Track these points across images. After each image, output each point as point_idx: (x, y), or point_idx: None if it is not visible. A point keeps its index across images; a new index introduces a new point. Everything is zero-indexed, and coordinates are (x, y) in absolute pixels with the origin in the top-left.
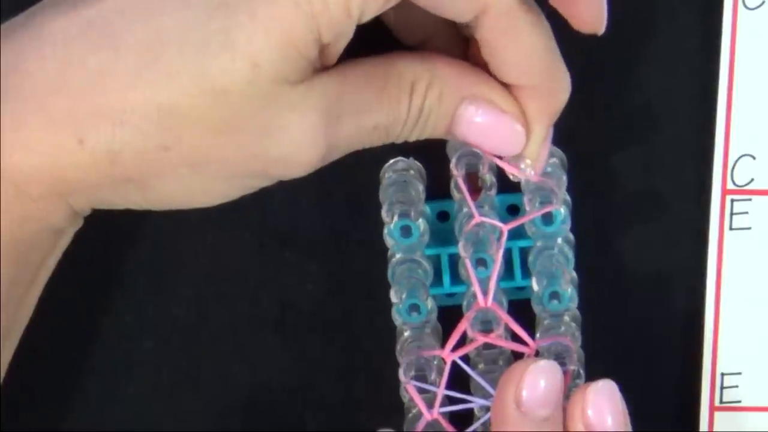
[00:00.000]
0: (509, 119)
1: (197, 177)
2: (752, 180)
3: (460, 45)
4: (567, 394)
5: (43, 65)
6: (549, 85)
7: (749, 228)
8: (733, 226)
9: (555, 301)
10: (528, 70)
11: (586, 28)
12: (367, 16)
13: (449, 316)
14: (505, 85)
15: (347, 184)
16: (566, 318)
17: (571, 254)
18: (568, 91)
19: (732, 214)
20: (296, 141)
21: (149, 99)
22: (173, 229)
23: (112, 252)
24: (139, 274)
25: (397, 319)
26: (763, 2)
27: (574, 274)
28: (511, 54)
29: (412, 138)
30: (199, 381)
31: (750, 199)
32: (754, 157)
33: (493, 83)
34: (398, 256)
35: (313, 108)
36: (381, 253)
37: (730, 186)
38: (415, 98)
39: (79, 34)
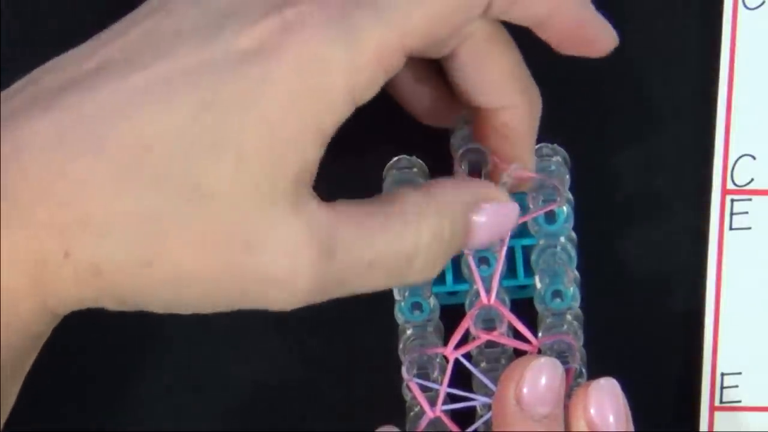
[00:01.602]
0: (508, 204)
1: (178, 295)
2: (752, 180)
3: (430, 76)
4: (569, 393)
5: (24, 175)
6: (528, 99)
7: (749, 228)
8: (733, 226)
9: (557, 300)
10: (508, 90)
11: (605, 51)
12: (368, 96)
13: (451, 314)
14: (483, 111)
15: (350, 182)
16: (568, 317)
17: (573, 252)
18: (540, 103)
19: (732, 214)
20: (278, 266)
21: (132, 208)
22: None
23: None
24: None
25: (400, 317)
26: (763, 2)
27: (577, 272)
28: (492, 76)
29: (436, 272)
30: (199, 381)
31: (750, 199)
32: (754, 157)
33: (480, 181)
34: None
35: (299, 230)
36: None
37: (730, 186)
38: (426, 228)
39: (58, 140)
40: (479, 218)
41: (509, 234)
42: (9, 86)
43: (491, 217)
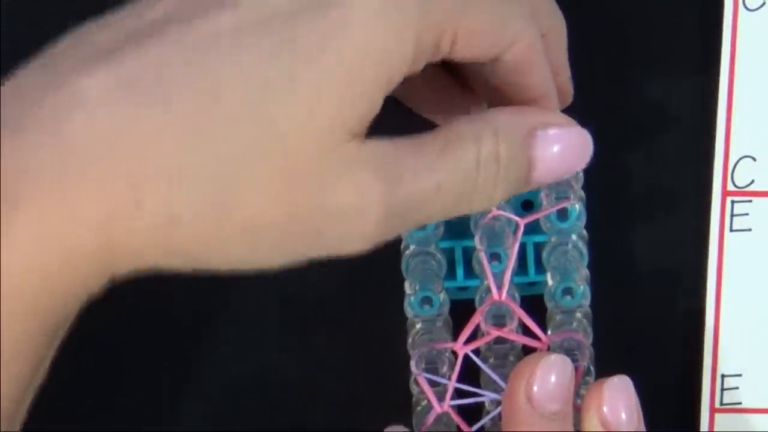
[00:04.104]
0: (576, 128)
1: (251, 242)
2: (753, 181)
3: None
4: (577, 391)
5: (91, 128)
6: (559, 18)
7: (750, 229)
8: (734, 228)
9: (568, 297)
10: (550, 86)
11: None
12: (412, 70)
13: (461, 310)
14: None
15: None
16: (578, 314)
17: (585, 250)
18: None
19: (732, 215)
20: (350, 198)
21: (206, 153)
22: None
23: None
24: (140, 274)
25: (409, 311)
26: (764, 3)
27: (587, 270)
28: (535, 78)
29: (496, 199)
30: (199, 381)
31: (750, 201)
32: (754, 159)
33: (540, 108)
34: (412, 248)
35: (366, 164)
36: (385, 251)
37: (730, 187)
38: (485, 147)
39: (125, 90)
40: (537, 144)
41: (582, 166)
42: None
43: (551, 143)
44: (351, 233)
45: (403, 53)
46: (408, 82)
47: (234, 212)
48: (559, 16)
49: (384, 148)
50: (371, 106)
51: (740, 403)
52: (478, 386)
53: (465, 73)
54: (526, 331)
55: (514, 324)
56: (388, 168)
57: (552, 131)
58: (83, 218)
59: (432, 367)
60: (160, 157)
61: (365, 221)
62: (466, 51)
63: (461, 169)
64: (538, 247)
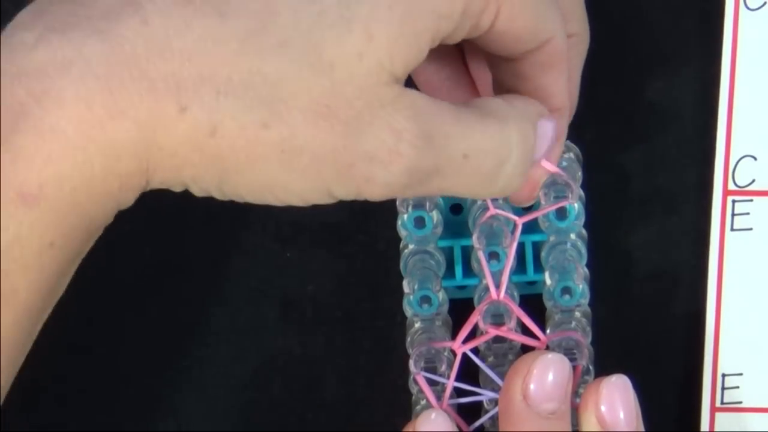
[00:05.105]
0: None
1: (286, 168)
2: (753, 181)
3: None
4: (576, 391)
5: (143, 31)
6: (586, 26)
7: (750, 229)
8: (735, 227)
9: (567, 296)
10: (566, 100)
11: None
12: (474, 27)
13: (460, 309)
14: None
15: None
16: (577, 314)
17: (584, 250)
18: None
19: (733, 214)
20: (385, 139)
21: (256, 68)
22: (175, 230)
23: (113, 252)
24: (140, 275)
25: (408, 310)
26: (765, 3)
27: (587, 270)
28: (557, 86)
29: (517, 181)
30: (199, 381)
31: (751, 200)
32: (755, 158)
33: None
34: (411, 247)
35: (406, 111)
36: (383, 249)
37: (731, 187)
38: (515, 129)
39: (182, 2)
40: (543, 129)
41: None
42: None
43: (550, 131)
44: (378, 174)
45: (452, 9)
46: (429, 72)
47: (274, 130)
48: (586, 27)
49: (423, 101)
50: (417, 54)
51: (741, 402)
52: (477, 385)
53: (484, 75)
54: (524, 330)
55: (513, 323)
56: (423, 122)
57: (552, 121)
58: (127, 115)
59: (431, 366)
60: (210, 67)
61: (395, 166)
62: (503, 34)
63: (493, 146)
64: (537, 246)
